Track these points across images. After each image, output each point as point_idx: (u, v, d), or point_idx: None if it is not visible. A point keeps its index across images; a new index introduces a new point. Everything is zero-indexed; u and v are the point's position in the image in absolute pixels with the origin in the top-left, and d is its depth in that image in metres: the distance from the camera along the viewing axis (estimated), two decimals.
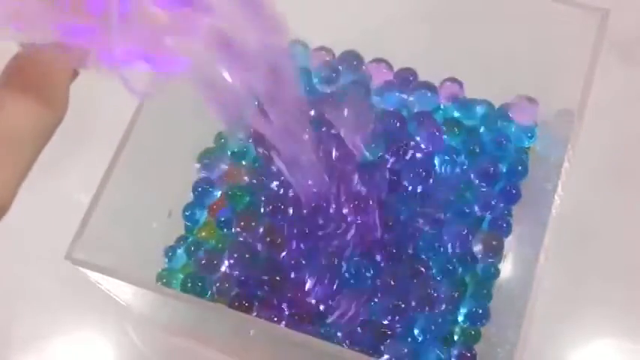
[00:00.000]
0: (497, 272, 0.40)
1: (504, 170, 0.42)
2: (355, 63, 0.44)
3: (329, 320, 0.37)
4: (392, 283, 0.37)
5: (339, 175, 0.39)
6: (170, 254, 0.41)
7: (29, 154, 0.22)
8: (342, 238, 0.39)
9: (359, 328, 0.37)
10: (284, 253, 0.38)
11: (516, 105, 0.42)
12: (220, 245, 0.40)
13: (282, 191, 0.39)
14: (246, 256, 0.38)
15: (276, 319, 0.37)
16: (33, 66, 0.21)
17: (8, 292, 0.46)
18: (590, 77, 0.35)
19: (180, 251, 0.41)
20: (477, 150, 0.42)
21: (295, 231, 0.38)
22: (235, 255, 0.38)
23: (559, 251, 0.34)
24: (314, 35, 0.46)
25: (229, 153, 0.44)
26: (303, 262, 0.38)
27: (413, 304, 0.37)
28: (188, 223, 0.42)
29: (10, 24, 0.18)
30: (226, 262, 0.39)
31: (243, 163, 0.43)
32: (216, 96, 0.25)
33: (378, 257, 0.38)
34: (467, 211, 0.40)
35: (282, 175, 0.37)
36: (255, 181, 0.41)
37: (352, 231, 0.38)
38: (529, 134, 0.42)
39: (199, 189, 0.43)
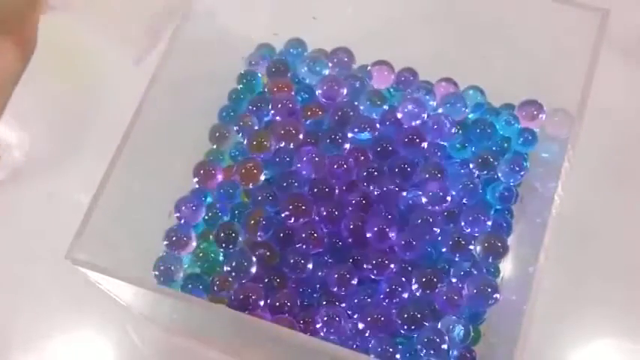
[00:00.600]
0: (497, 272, 0.40)
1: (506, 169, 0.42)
2: (346, 59, 0.44)
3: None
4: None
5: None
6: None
7: (5, 99, 0.22)
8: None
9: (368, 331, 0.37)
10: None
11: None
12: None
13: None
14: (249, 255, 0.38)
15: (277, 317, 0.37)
16: (5, 7, 0.21)
17: (8, 292, 0.46)
18: (590, 77, 0.35)
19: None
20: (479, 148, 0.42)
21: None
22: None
23: (559, 251, 0.34)
24: (314, 36, 0.46)
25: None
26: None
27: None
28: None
29: None
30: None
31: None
32: None
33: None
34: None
35: None
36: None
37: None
38: (530, 137, 0.42)
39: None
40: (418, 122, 0.41)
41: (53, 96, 0.53)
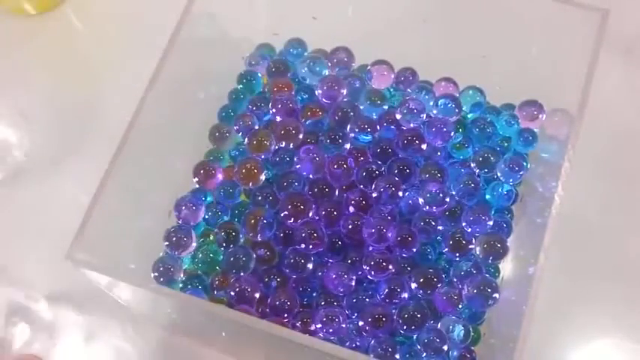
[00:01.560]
0: (497, 272, 0.40)
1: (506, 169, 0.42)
2: (346, 59, 0.44)
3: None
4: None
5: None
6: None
7: None
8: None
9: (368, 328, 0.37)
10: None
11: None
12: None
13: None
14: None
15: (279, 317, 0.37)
16: None
17: (8, 292, 0.46)
18: (590, 77, 0.35)
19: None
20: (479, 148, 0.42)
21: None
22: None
23: (559, 251, 0.34)
24: (314, 36, 0.46)
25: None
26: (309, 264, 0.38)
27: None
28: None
29: None
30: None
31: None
32: None
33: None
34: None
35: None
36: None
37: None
38: (530, 137, 0.42)
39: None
40: (417, 123, 0.41)
41: (53, 96, 0.53)
